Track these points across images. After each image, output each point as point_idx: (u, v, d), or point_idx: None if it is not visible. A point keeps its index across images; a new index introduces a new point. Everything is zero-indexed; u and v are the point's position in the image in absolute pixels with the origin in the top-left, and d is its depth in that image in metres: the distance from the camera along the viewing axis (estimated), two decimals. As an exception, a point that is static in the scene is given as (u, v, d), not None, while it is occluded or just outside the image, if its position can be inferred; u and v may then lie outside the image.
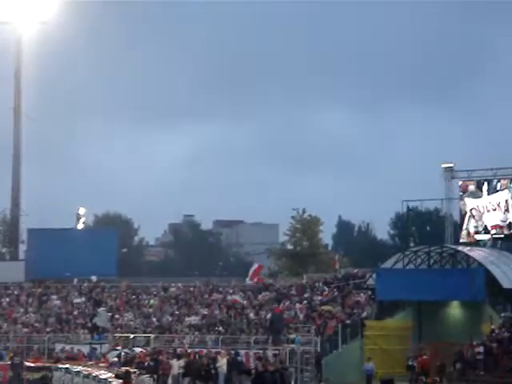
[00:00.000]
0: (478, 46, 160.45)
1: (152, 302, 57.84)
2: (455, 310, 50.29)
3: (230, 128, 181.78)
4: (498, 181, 57.83)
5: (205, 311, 55.06)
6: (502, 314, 46.55)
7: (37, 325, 55.41)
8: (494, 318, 46.84)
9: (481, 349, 43.62)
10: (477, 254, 51.99)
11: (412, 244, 61.63)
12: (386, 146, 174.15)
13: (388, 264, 53.50)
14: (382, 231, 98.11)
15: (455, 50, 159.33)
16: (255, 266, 60.95)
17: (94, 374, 35.93)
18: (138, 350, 47.13)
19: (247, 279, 58.70)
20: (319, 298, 54.46)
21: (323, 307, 52.67)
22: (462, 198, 59.30)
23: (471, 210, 58.52)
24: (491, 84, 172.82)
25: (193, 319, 53.80)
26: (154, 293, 59.45)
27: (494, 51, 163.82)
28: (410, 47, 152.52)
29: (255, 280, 58.10)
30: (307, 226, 77.31)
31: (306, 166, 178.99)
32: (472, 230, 58.98)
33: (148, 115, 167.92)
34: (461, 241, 58.48)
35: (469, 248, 54.33)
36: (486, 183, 58.40)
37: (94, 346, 49.76)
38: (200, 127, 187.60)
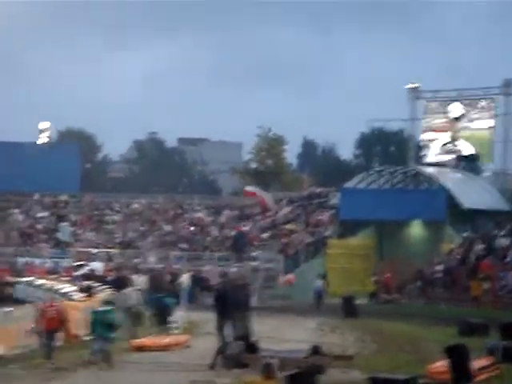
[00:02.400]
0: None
1: (115, 217, 57.79)
2: (416, 229, 50.79)
3: (192, 45, 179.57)
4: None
5: (168, 228, 55.14)
6: (463, 234, 47.08)
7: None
8: (454, 237, 47.38)
9: (440, 267, 44.24)
10: (439, 174, 52.33)
11: (376, 164, 61.96)
12: (350, 67, 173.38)
13: (352, 184, 53.73)
14: (347, 151, 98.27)
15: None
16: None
17: (56, 288, 35.95)
18: (100, 265, 47.23)
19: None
20: (282, 216, 54.72)
21: (286, 225, 52.95)
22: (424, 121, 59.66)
23: (434, 130, 58.90)
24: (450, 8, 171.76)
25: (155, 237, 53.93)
26: (118, 209, 59.37)
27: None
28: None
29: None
30: (271, 145, 77.20)
31: (271, 86, 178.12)
32: (435, 151, 59.37)
33: (114, 31, 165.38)
34: (426, 161, 58.94)
35: (431, 168, 54.67)
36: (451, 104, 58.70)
37: (56, 260, 49.75)
38: (165, 46, 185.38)
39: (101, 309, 23.20)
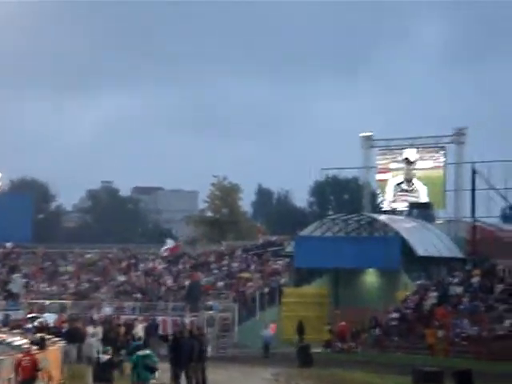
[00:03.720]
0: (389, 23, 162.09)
1: (68, 268, 57.20)
2: (371, 277, 50.96)
3: (150, 95, 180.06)
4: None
5: (122, 278, 54.69)
6: (417, 282, 47.29)
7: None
8: (409, 285, 47.59)
9: (395, 315, 44.32)
10: (393, 222, 52.69)
11: (330, 212, 62.19)
12: (305, 115, 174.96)
13: (306, 232, 53.84)
14: (301, 199, 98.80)
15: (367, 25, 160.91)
16: (171, 244, 59.57)
17: (8, 340, 35.34)
18: (53, 316, 46.55)
19: (162, 251, 57.87)
20: (237, 265, 54.61)
21: (241, 274, 52.82)
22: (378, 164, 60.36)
23: (388, 171, 59.68)
24: (401, 58, 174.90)
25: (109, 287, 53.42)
26: (71, 259, 58.81)
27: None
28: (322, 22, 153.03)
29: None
30: (227, 194, 77.26)
31: (225, 134, 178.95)
32: (389, 199, 59.88)
33: (67, 81, 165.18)
34: (382, 209, 59.43)
35: (385, 216, 55.05)
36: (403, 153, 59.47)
37: (7, 312, 48.96)
38: (119, 94, 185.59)
39: (141, 353, 22.95)
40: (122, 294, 52.00)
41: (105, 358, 23.60)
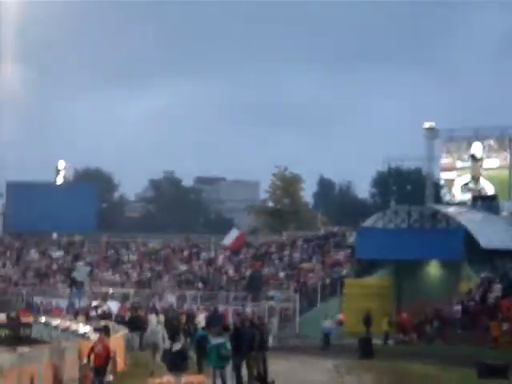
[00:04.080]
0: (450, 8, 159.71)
1: (131, 257, 57.78)
2: (434, 269, 50.43)
3: (212, 86, 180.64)
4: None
5: (184, 267, 55.05)
6: (482, 274, 46.71)
7: (15, 278, 55.29)
8: (472, 277, 47.01)
9: (458, 307, 43.86)
10: (456, 213, 52.06)
11: (392, 203, 61.71)
12: (368, 106, 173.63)
13: (368, 223, 53.48)
14: (363, 190, 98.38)
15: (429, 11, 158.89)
16: (236, 232, 59.34)
17: (72, 328, 35.88)
18: (116, 304, 47.11)
19: (225, 242, 57.74)
20: (299, 255, 54.56)
21: (303, 265, 52.78)
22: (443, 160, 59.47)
23: (454, 169, 58.74)
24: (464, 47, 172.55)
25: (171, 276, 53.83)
26: (134, 248, 59.39)
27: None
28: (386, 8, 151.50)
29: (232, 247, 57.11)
30: (288, 184, 77.20)
31: (288, 124, 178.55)
32: (453, 190, 59.13)
33: (129, 70, 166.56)
34: (445, 200, 58.72)
35: (449, 207, 54.43)
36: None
37: (72, 300, 49.70)
38: (182, 84, 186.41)
39: (216, 342, 23.50)
40: (183, 283, 52.37)
41: (177, 346, 23.94)
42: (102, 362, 24.31)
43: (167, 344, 30.44)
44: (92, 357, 24.27)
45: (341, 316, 44.98)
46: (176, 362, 23.65)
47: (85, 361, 25.34)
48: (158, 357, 29.69)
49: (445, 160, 59.71)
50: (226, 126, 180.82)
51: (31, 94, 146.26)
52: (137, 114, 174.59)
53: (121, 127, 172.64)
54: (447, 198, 59.15)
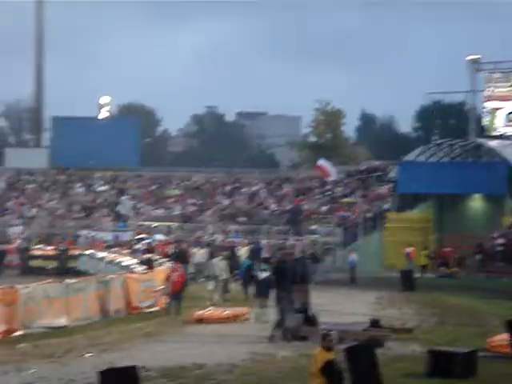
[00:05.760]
0: None
1: (174, 191, 58.22)
2: (476, 202, 50.30)
3: (254, 19, 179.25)
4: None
5: (227, 202, 55.42)
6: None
7: (61, 212, 56.03)
8: (515, 211, 46.86)
9: (501, 241, 43.82)
10: (500, 147, 51.62)
11: (435, 137, 61.25)
12: (409, 39, 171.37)
13: (411, 157, 53.26)
14: (406, 124, 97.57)
15: None
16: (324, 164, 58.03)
17: (117, 260, 36.53)
18: (160, 237, 47.68)
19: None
20: (341, 190, 54.62)
21: (345, 199, 52.86)
22: (486, 90, 58.68)
23: (498, 99, 58.02)
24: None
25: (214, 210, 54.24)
26: (177, 183, 59.80)
27: None
28: None
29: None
30: (330, 118, 76.91)
31: (330, 59, 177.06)
32: (496, 122, 58.52)
33: (174, 7, 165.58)
34: (486, 134, 58.17)
35: (493, 141, 53.97)
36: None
37: (117, 233, 50.37)
38: (225, 20, 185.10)
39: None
40: (226, 218, 52.76)
41: (262, 275, 25.35)
42: (178, 287, 27.58)
43: (226, 275, 31.37)
44: (170, 284, 27.47)
45: (410, 250, 44.87)
46: (262, 290, 25.13)
47: (163, 287, 28.19)
48: (217, 288, 30.82)
49: (488, 92, 59.02)
50: (267, 61, 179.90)
51: (76, 29, 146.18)
52: (180, 49, 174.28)
53: (164, 63, 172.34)
54: (490, 129, 58.59)
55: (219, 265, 31.74)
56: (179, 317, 26.67)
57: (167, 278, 28.11)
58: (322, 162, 53.10)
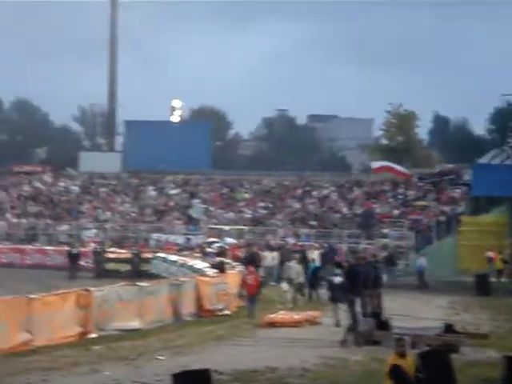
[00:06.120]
0: None
1: (245, 195, 58.36)
2: (553, 206, 49.30)
3: (324, 25, 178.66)
4: None
5: (297, 205, 55.34)
6: None
7: (133, 215, 56.62)
8: None
9: None
10: None
11: (510, 140, 60.27)
12: (483, 40, 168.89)
13: (485, 160, 52.52)
14: (479, 127, 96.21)
15: None
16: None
17: (189, 263, 36.74)
18: (231, 241, 47.82)
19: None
20: (413, 193, 54.10)
21: (417, 202, 52.33)
22: None
23: None
24: None
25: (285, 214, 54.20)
26: (248, 186, 59.93)
27: None
28: None
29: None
30: (403, 121, 76.24)
31: (401, 62, 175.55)
32: None
33: (245, 10, 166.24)
34: None
35: None
36: None
37: (188, 236, 50.69)
38: (291, 24, 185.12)
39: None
40: (297, 221, 52.67)
41: (336, 279, 25.01)
42: (254, 290, 28.11)
43: (302, 279, 31.45)
44: (245, 287, 28.17)
45: (491, 253, 44.23)
46: (335, 294, 24.95)
47: (237, 290, 29.18)
48: (292, 291, 30.99)
49: None
50: (339, 64, 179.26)
51: (147, 33, 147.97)
52: (251, 52, 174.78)
53: (236, 66, 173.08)
54: None
55: (295, 268, 31.78)
56: (252, 320, 26.70)
57: (242, 281, 28.50)
58: (384, 164, 52.93)
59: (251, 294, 28.12)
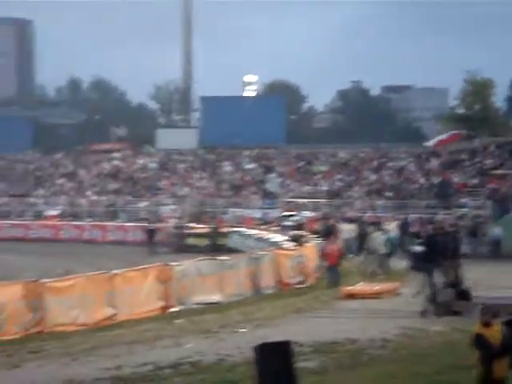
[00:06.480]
0: None
1: (321, 168, 58.30)
2: None
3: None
4: None
5: (374, 177, 55.09)
6: None
7: (210, 190, 57.11)
8: None
9: None
10: None
11: None
12: None
13: None
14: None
15: None
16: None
17: (266, 237, 36.99)
18: (307, 214, 47.87)
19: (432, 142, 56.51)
20: (491, 162, 53.35)
21: (495, 171, 51.59)
22: None
23: None
24: None
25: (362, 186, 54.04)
26: (323, 159, 59.85)
27: None
28: None
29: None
30: (479, 89, 74.93)
31: (477, 29, 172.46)
32: None
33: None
34: None
35: None
36: None
37: (265, 210, 50.93)
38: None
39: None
40: (373, 193, 52.46)
41: (417, 249, 25.27)
42: (335, 260, 28.52)
43: (384, 250, 31.47)
44: (326, 257, 28.58)
45: None
46: (416, 264, 25.00)
47: (318, 262, 29.47)
48: (373, 263, 31.16)
49: None
50: (413, 34, 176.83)
51: (221, 9, 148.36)
52: (324, 24, 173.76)
53: (309, 39, 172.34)
54: None
55: (377, 239, 31.76)
56: (333, 291, 26.75)
57: (323, 252, 28.75)
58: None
59: (333, 264, 28.33)
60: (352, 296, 25.76)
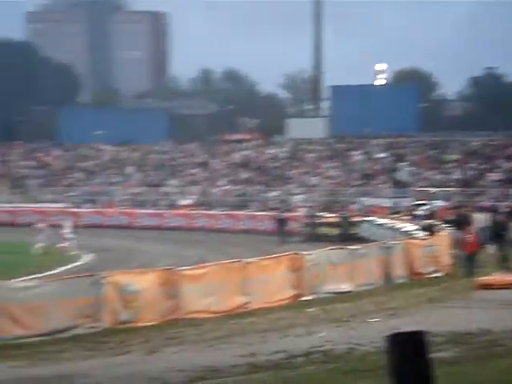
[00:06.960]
0: None
1: (453, 156, 57.40)
2: None
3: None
4: None
5: (508, 165, 53.85)
6: None
7: (341, 179, 57.07)
8: None
9: None
10: None
11: None
12: None
13: None
14: None
15: None
16: None
17: (398, 226, 36.72)
18: (440, 203, 47.21)
19: None
20: None
21: None
22: None
23: None
24: None
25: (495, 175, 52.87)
26: (455, 147, 58.90)
27: None
28: None
29: None
30: None
31: None
32: None
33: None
34: None
35: None
36: None
37: (396, 199, 50.51)
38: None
39: None
40: (507, 182, 51.30)
41: None
42: (473, 249, 27.93)
43: None
44: (464, 246, 28.04)
45: None
46: None
47: (454, 252, 29.25)
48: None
49: None
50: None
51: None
52: (455, 11, 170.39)
53: (439, 26, 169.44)
54: None
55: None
56: (468, 281, 26.31)
57: (460, 241, 28.44)
58: None
59: (471, 253, 27.92)
60: (487, 286, 25.25)
